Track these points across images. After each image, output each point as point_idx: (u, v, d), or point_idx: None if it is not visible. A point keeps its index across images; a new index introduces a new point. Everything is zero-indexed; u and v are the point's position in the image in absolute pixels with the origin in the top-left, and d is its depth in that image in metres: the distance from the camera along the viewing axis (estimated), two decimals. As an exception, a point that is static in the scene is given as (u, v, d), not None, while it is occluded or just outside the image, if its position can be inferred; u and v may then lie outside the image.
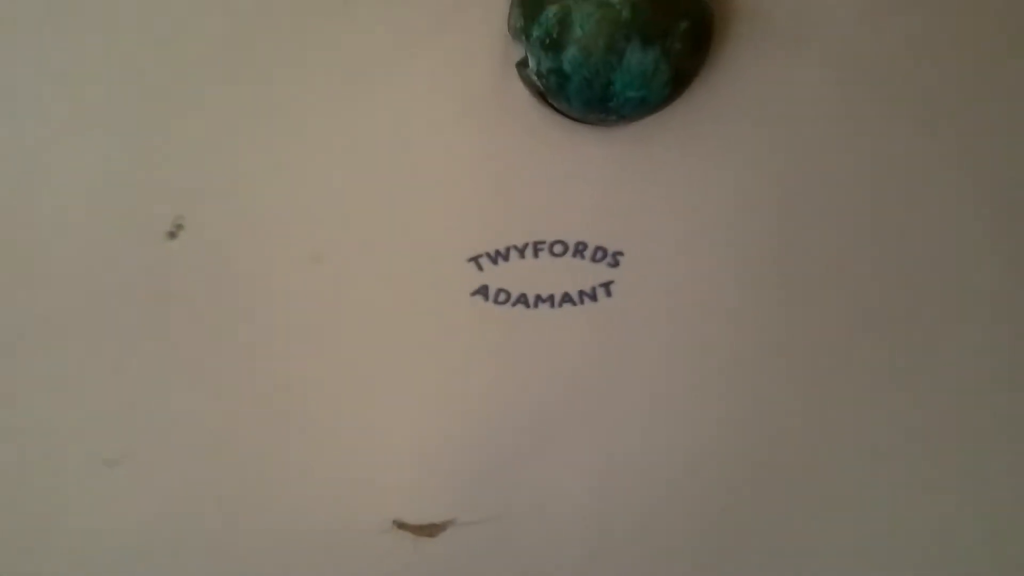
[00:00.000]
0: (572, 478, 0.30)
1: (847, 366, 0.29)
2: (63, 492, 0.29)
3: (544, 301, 0.28)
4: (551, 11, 0.22)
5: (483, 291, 0.27)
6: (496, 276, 0.27)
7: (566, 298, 0.28)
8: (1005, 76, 0.25)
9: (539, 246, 0.27)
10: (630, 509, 0.31)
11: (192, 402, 0.28)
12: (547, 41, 0.23)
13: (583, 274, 0.27)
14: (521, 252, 0.27)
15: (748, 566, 0.33)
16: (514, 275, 0.27)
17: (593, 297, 0.28)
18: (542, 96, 0.24)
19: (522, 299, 0.27)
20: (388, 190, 0.26)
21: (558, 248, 0.27)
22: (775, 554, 0.33)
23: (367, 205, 0.26)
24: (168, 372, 0.27)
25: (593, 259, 0.27)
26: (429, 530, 0.31)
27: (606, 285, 0.27)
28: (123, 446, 0.29)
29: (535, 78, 0.23)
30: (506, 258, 0.27)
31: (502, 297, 0.27)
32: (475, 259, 0.27)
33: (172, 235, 0.25)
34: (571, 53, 0.22)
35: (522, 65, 0.24)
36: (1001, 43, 0.25)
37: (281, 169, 0.25)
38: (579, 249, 0.27)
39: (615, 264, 0.27)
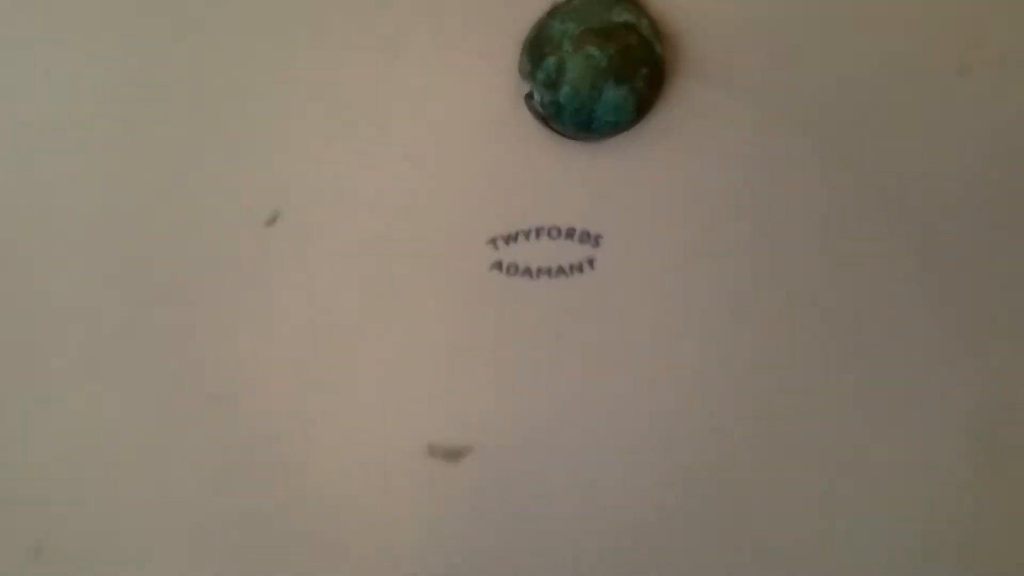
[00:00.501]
0: (568, 409, 0.39)
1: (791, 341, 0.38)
2: (153, 434, 0.38)
3: (543, 273, 0.37)
4: (551, 60, 0.32)
5: (498, 265, 0.36)
6: (508, 254, 0.36)
7: (560, 270, 0.37)
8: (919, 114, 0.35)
9: (540, 231, 0.36)
10: (620, 439, 0.40)
11: (273, 349, 0.37)
12: (548, 81, 0.32)
13: (572, 252, 0.36)
14: (527, 235, 0.36)
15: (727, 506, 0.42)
16: (521, 253, 0.36)
17: (580, 269, 0.37)
18: (544, 120, 0.33)
19: (527, 271, 0.36)
20: (431, 191, 0.35)
21: (554, 232, 0.36)
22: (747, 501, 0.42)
23: (415, 202, 0.35)
24: (260, 325, 0.36)
25: (580, 240, 0.36)
26: (454, 455, 0.40)
27: (590, 260, 0.36)
28: (217, 391, 0.38)
29: (539, 107, 0.33)
30: (515, 240, 0.36)
31: (512, 270, 0.36)
32: (492, 240, 0.36)
33: (270, 222, 0.34)
34: (565, 90, 0.32)
35: (529, 98, 0.33)
36: (921, 84, 0.34)
37: (354, 170, 0.34)
38: (569, 233, 0.36)
39: (596, 245, 0.36)
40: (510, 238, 0.36)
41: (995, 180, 0.36)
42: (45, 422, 0.37)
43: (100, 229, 0.35)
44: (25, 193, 0.34)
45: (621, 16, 0.31)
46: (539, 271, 0.36)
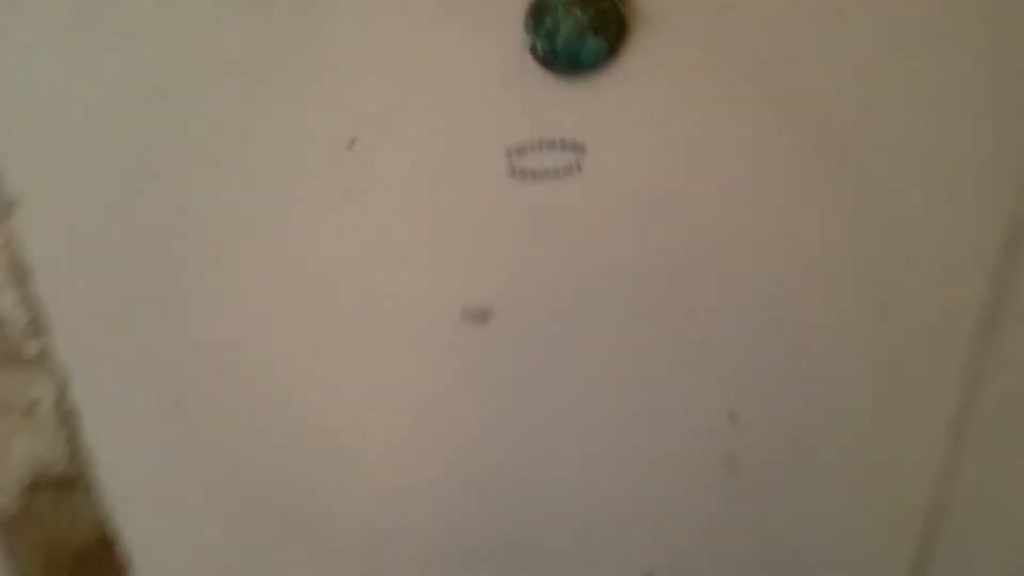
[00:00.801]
0: (567, 272, 0.53)
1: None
2: (263, 305, 0.52)
3: (544, 175, 0.50)
4: (548, 21, 0.45)
5: (512, 171, 0.50)
6: (519, 161, 0.50)
7: (556, 172, 0.50)
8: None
9: (541, 143, 0.49)
10: (605, 296, 0.54)
11: (354, 236, 0.50)
12: (547, 35, 0.45)
13: (565, 158, 0.50)
14: (532, 147, 0.50)
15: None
16: (529, 160, 0.50)
17: (571, 171, 0.50)
18: (544, 63, 0.46)
19: (533, 174, 0.50)
20: (465, 115, 0.48)
21: (551, 143, 0.50)
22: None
23: (454, 124, 0.48)
24: (342, 217, 0.50)
25: (571, 149, 0.50)
26: (482, 315, 0.54)
27: (578, 164, 0.50)
28: (315, 270, 0.51)
29: (540, 54, 0.46)
30: (524, 151, 0.49)
31: (522, 173, 0.50)
32: (508, 151, 0.49)
33: (351, 145, 0.47)
34: (560, 41, 0.45)
35: (533, 48, 0.46)
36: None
37: (411, 104, 0.47)
38: (563, 144, 0.50)
39: (583, 152, 0.50)
40: (521, 149, 0.49)
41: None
42: (181, 299, 0.51)
43: (223, 145, 0.48)
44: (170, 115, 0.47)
45: (597, -13, 0.45)
46: (542, 172, 0.50)
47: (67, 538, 0.55)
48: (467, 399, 0.57)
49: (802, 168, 0.52)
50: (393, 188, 0.49)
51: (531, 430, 0.58)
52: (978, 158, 0.51)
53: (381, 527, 0.60)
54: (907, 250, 0.56)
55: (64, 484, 0.53)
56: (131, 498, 0.55)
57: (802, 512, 0.65)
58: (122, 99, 0.45)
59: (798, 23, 0.47)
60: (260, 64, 0.45)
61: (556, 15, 0.44)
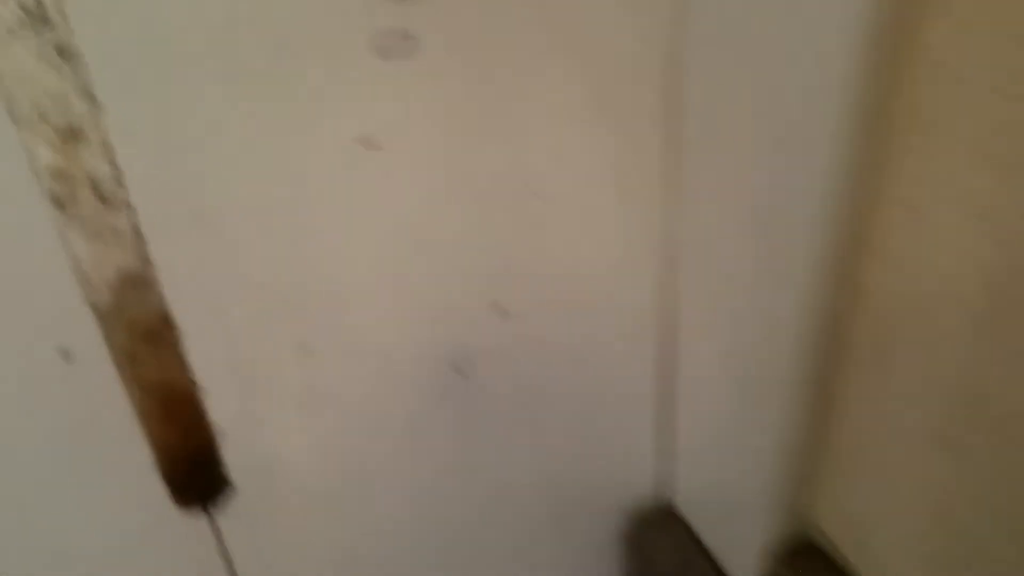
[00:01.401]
0: (418, 108, 0.92)
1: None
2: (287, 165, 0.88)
3: (397, 53, 0.88)
4: (390, -32, 0.83)
5: (378, 53, 0.88)
6: (382, 45, 0.88)
7: (403, 52, 0.88)
8: None
9: (394, 35, 0.88)
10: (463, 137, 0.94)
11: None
12: (390, -24, 0.84)
13: (408, 45, 0.88)
14: (389, 39, 0.88)
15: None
16: (388, 46, 0.88)
17: (412, 51, 0.89)
18: (392, -7, 0.85)
19: (390, 53, 0.88)
20: (351, 28, 0.86)
21: (400, 35, 0.88)
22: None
23: (346, 32, 0.86)
24: (286, 89, 0.87)
25: (411, 39, 0.89)
26: (372, 142, 0.93)
27: (415, 48, 0.88)
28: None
29: (388, -13, 0.84)
30: (386, 42, 0.87)
31: (384, 53, 0.88)
32: (376, 42, 0.88)
33: (287, 55, 0.84)
34: (398, -22, 0.84)
35: (383, -17, 0.84)
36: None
37: (319, 28, 0.84)
38: (406, 35, 0.88)
39: (418, 40, 0.89)
40: (383, 41, 0.88)
41: None
42: (211, 159, 0.86)
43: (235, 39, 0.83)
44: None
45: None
46: (396, 52, 0.88)
47: (141, 319, 0.89)
48: (372, 195, 0.96)
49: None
50: (314, 71, 0.86)
51: (414, 201, 0.98)
52: None
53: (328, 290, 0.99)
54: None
55: (139, 283, 0.88)
56: (180, 290, 0.91)
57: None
58: (178, 42, 0.79)
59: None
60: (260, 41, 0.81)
61: (394, -35, 0.83)
